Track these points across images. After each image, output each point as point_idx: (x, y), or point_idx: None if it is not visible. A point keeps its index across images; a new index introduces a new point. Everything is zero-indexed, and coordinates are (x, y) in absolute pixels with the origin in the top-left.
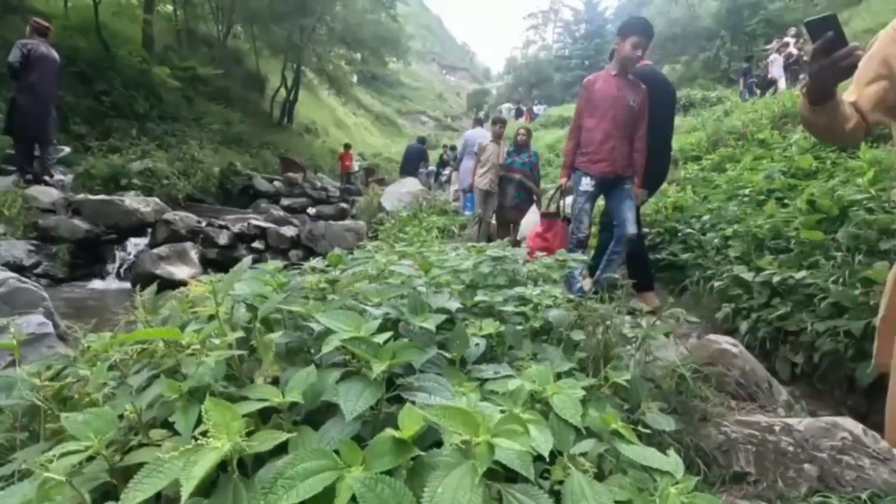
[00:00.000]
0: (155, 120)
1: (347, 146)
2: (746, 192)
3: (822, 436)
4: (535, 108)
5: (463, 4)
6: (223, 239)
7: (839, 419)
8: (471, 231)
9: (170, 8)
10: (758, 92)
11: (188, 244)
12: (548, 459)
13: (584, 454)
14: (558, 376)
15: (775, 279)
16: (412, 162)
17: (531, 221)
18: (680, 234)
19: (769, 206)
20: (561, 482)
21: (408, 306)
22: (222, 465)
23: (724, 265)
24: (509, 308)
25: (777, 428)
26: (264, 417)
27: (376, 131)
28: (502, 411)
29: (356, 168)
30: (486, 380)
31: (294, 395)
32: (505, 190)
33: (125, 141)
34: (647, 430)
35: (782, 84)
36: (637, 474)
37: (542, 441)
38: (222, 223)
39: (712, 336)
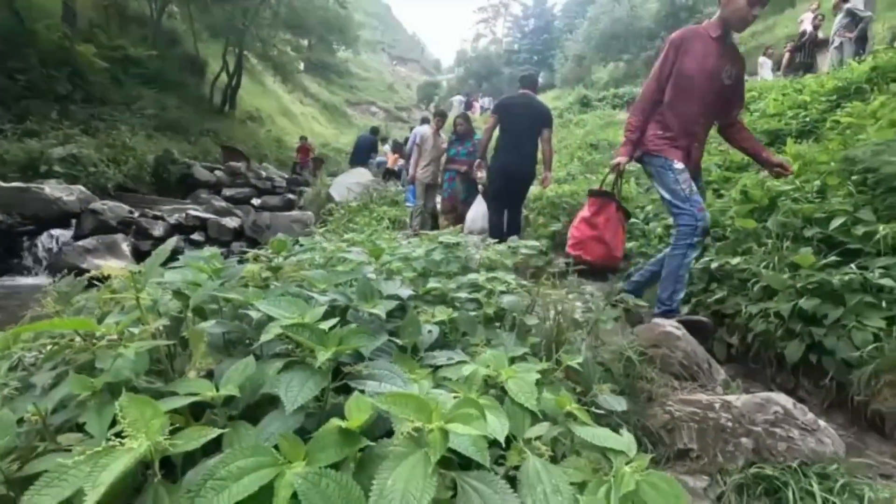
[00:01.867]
0: (78, 102)
1: (304, 138)
2: None
3: (757, 410)
4: (480, 102)
5: None
6: (158, 230)
7: (772, 394)
8: (413, 223)
9: None
10: None
11: (119, 236)
12: (503, 445)
13: (539, 438)
14: (512, 361)
15: (713, 265)
16: (363, 152)
17: (478, 213)
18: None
19: (709, 195)
20: (517, 467)
21: (357, 293)
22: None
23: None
24: (462, 295)
25: (717, 405)
26: (197, 414)
27: (325, 121)
28: (456, 397)
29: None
30: (440, 366)
31: (229, 388)
32: (452, 185)
33: (44, 124)
34: (600, 411)
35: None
36: (592, 455)
37: (498, 426)
38: (157, 214)
39: (658, 320)
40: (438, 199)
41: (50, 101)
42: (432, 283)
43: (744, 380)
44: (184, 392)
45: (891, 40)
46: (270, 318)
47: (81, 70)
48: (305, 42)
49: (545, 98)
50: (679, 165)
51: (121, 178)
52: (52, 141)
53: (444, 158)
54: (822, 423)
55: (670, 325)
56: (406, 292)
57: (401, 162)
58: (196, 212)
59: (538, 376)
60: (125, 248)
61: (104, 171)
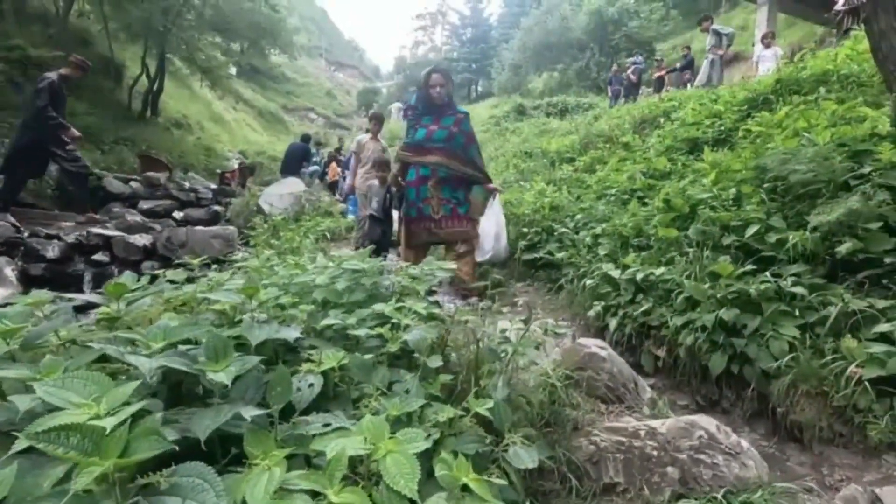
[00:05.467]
0: None
1: (241, 163)
2: (612, 192)
3: (682, 436)
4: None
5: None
6: (52, 251)
7: (696, 417)
8: (356, 235)
9: None
10: (622, 100)
11: (2, 259)
12: None
13: None
14: (409, 417)
15: (638, 276)
16: (294, 161)
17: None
18: (556, 234)
19: (632, 205)
20: None
21: (205, 350)
22: None
23: (595, 263)
24: (362, 332)
25: (642, 432)
26: None
27: (260, 127)
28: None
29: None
30: (315, 435)
31: None
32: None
33: None
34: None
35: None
36: None
37: None
38: (53, 232)
39: (582, 340)
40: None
41: None
42: (331, 318)
43: (671, 393)
44: None
45: (791, 56)
46: (51, 408)
47: None
48: (237, 46)
49: (483, 106)
50: None
51: None
52: None
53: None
54: (744, 444)
55: (595, 346)
56: (293, 333)
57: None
58: (99, 229)
59: (426, 446)
60: (10, 272)
61: None
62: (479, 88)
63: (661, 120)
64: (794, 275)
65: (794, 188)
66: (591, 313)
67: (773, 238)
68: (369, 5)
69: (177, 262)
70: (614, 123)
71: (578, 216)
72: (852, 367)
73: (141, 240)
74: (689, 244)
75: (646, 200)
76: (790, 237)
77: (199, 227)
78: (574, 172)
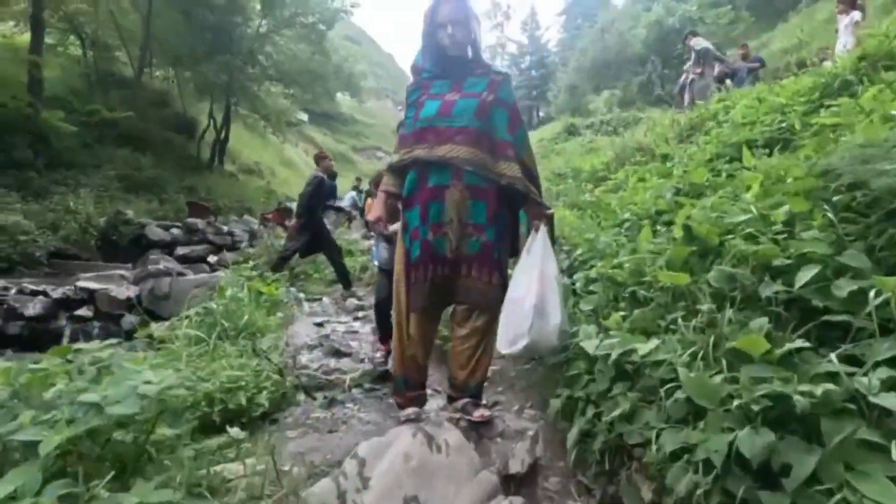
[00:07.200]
0: (40, 169)
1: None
2: (627, 216)
3: None
4: None
5: (414, 42)
6: (34, 309)
7: None
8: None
9: (79, 51)
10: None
11: None
12: None
13: None
14: None
15: (614, 353)
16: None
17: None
18: None
19: (643, 234)
20: None
21: None
22: None
23: (578, 323)
24: None
25: None
26: None
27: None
28: None
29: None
30: None
31: None
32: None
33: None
34: None
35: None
36: None
37: None
38: (38, 288)
39: None
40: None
41: (5, 168)
42: None
43: None
44: None
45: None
46: None
47: (45, 136)
48: (303, 93)
49: (543, 131)
50: None
51: (59, 244)
52: None
53: None
54: None
55: None
56: None
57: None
58: (85, 282)
59: None
60: None
61: (34, 240)
62: (541, 114)
63: (710, 124)
64: (887, 362)
65: (882, 201)
66: (550, 411)
67: (844, 289)
68: None
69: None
70: (657, 133)
71: (579, 251)
72: None
73: (125, 292)
74: (708, 295)
75: (657, 227)
76: (877, 287)
77: (185, 277)
78: (602, 193)
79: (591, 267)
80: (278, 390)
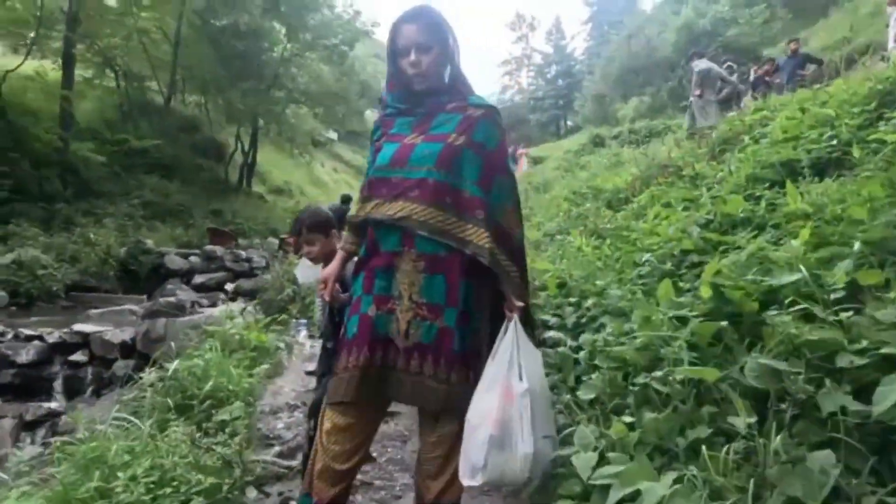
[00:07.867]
0: (69, 199)
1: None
2: (645, 258)
3: None
4: (522, 151)
5: None
6: (26, 355)
7: None
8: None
9: (113, 83)
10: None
11: None
12: None
13: None
14: None
15: (614, 497)
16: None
17: (483, 414)
18: (548, 338)
19: (662, 289)
20: None
21: None
22: None
23: (574, 413)
24: None
25: None
26: None
27: (358, 186)
28: None
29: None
30: None
31: None
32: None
33: (24, 226)
34: None
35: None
36: None
37: None
38: (34, 333)
39: None
40: None
41: (37, 201)
42: None
43: None
44: None
45: None
46: None
47: (74, 168)
48: (327, 114)
49: (569, 142)
50: None
51: (77, 276)
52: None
53: None
54: None
55: None
56: None
57: None
58: (81, 325)
59: None
60: None
61: (53, 274)
62: (569, 123)
63: (745, 139)
64: None
65: None
66: None
67: None
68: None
69: None
70: (685, 149)
71: (589, 302)
72: None
73: (120, 335)
74: (742, 400)
75: (680, 280)
76: None
77: (181, 318)
78: (623, 218)
79: (601, 326)
80: (219, 491)
